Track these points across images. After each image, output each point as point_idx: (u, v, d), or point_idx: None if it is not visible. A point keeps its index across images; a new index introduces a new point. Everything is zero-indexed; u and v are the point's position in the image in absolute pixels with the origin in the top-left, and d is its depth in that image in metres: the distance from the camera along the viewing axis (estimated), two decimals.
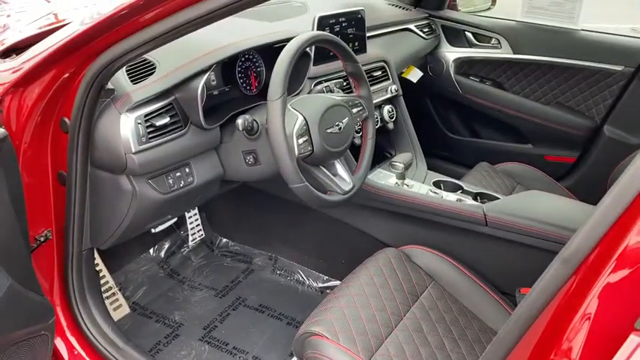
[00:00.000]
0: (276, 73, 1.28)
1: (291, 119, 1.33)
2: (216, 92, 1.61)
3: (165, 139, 1.34)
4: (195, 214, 2.22)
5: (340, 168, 1.51)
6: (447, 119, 2.68)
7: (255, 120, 1.38)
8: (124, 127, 1.26)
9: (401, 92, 2.11)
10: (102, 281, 1.84)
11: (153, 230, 1.96)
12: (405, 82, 2.35)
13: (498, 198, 1.80)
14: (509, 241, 1.59)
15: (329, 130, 1.39)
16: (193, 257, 2.23)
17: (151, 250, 2.17)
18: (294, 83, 1.67)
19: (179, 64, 1.37)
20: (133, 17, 1.05)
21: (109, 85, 1.26)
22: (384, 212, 1.83)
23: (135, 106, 1.28)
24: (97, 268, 1.77)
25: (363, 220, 1.90)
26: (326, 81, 1.79)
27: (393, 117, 2.06)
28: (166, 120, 1.33)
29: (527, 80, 2.39)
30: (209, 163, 1.51)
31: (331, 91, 1.67)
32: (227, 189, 1.77)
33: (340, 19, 1.87)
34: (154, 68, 1.36)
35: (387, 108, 2.05)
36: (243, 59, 1.66)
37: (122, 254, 2.05)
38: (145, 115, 1.29)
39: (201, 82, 1.35)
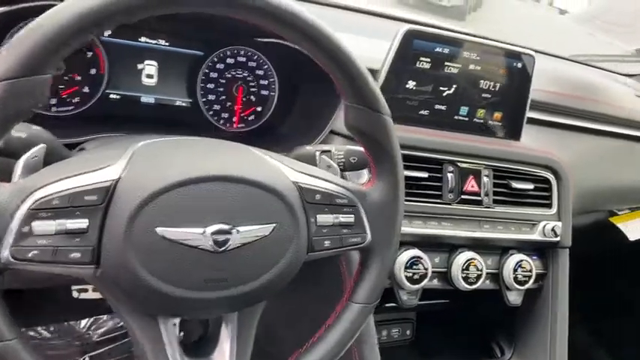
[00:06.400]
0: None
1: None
2: (150, 100, 0.86)
3: None
4: None
5: (227, 339, 0.58)
6: None
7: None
8: None
9: (568, 242, 1.02)
10: None
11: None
12: (605, 234, 1.22)
13: None
14: None
15: (176, 239, 0.49)
16: None
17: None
18: (303, 129, 0.82)
19: None
20: None
21: None
22: None
23: None
24: None
25: None
26: None
27: (526, 281, 0.98)
28: None
29: None
30: None
31: (328, 165, 0.72)
32: None
33: (464, 55, 0.92)
34: None
35: (522, 259, 0.98)
36: (229, 60, 0.88)
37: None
38: None
39: None
